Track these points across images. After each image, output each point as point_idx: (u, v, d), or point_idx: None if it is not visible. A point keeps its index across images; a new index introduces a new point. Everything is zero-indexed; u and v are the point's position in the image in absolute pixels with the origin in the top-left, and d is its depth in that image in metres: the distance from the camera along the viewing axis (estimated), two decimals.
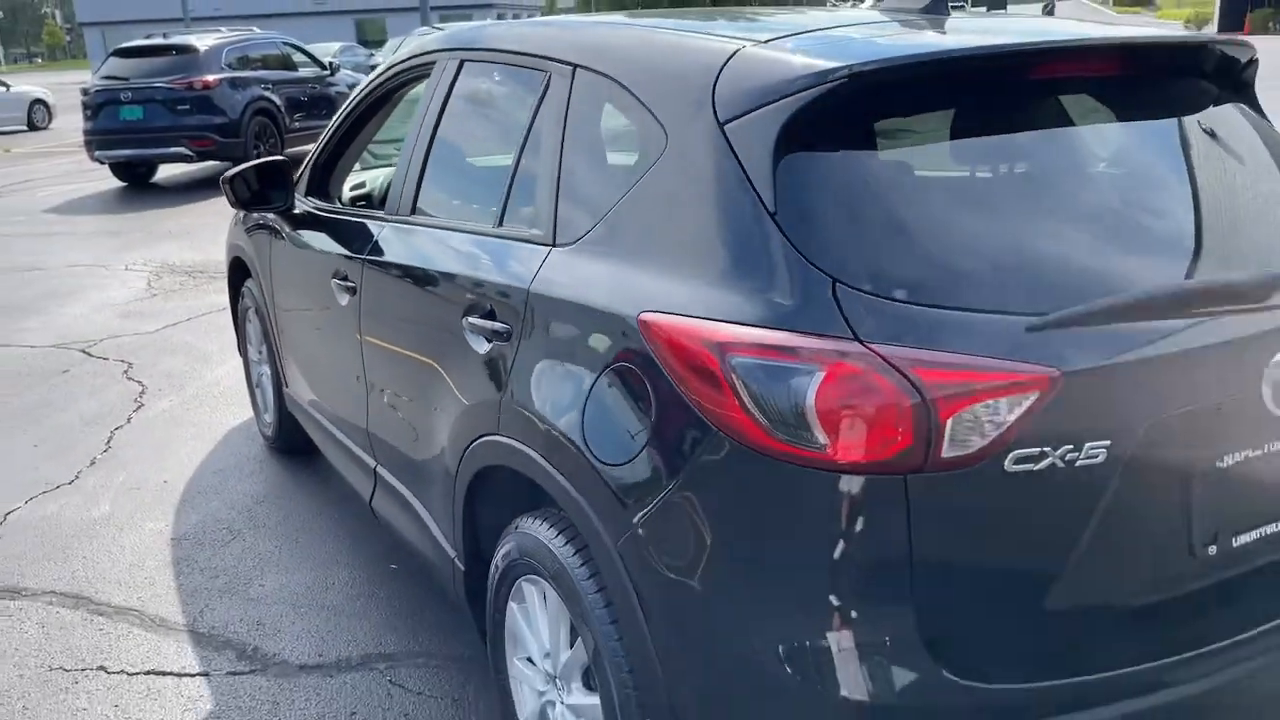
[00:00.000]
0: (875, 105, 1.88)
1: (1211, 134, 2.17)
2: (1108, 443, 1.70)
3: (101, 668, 3.16)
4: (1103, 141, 2.19)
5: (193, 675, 3.11)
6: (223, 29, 15.16)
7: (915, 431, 1.63)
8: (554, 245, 2.26)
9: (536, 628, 2.36)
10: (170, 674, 3.12)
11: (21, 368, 6.15)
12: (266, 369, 4.54)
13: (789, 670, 1.75)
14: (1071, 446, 1.68)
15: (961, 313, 1.70)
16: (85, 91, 13.46)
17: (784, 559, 1.74)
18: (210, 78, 13.00)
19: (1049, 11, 39.58)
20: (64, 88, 30.30)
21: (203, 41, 13.62)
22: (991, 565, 1.74)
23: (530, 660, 2.42)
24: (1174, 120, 2.18)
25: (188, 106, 12.89)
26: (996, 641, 1.77)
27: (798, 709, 1.75)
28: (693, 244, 1.94)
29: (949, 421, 1.63)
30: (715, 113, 1.95)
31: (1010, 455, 1.66)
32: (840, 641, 1.72)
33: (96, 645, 3.28)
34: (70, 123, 22.12)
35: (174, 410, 5.35)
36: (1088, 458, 1.69)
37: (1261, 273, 1.92)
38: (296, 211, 3.77)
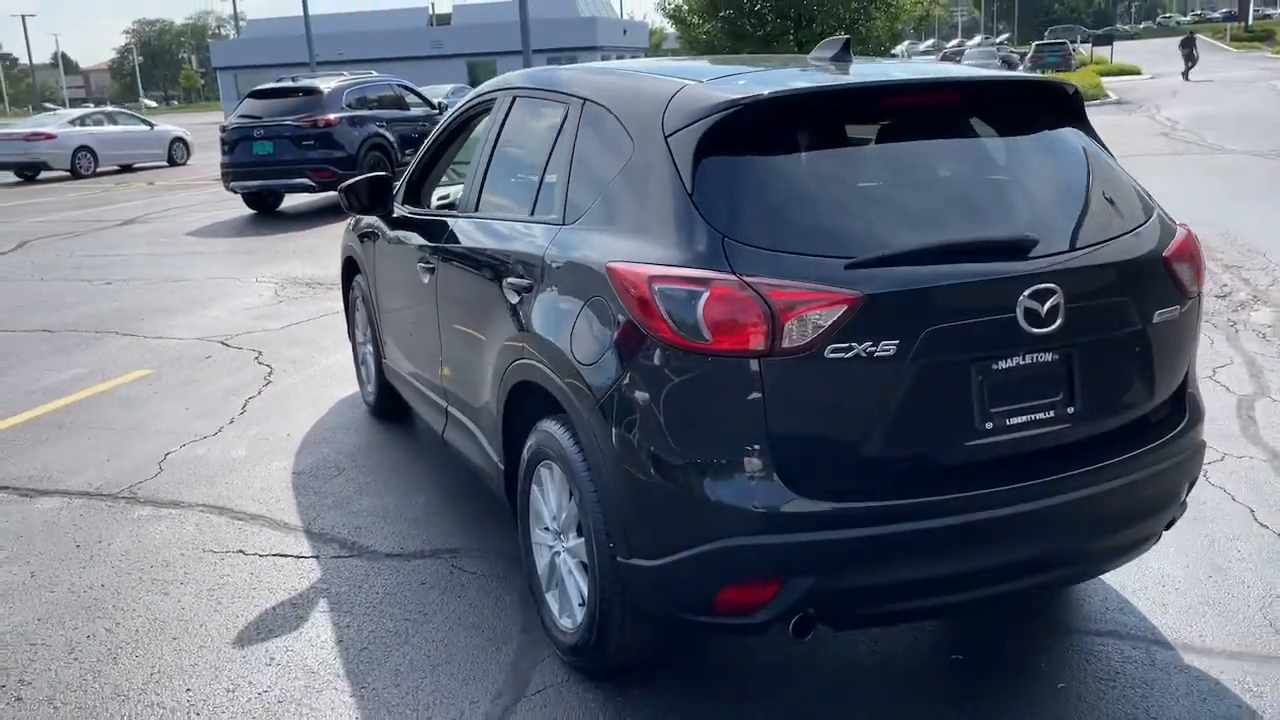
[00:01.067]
0: (758, 122, 2.82)
1: (1025, 144, 3.06)
2: (896, 341, 2.58)
3: (240, 550, 4.22)
4: (928, 149, 3.08)
5: (307, 558, 4.15)
6: (344, 73, 16.80)
7: (765, 330, 2.54)
8: (563, 224, 3.24)
9: (549, 500, 3.31)
10: (290, 556, 4.16)
11: (173, 355, 7.40)
12: (370, 347, 5.63)
13: (691, 491, 2.66)
14: (870, 343, 2.57)
15: (805, 256, 2.61)
16: (223, 129, 15.12)
17: (688, 416, 2.67)
18: (331, 116, 14.52)
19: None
20: (199, 127, 32.84)
21: (326, 84, 15.20)
22: (822, 421, 2.64)
23: (545, 528, 3.37)
24: (990, 134, 3.08)
25: (312, 142, 14.41)
26: (829, 475, 2.65)
27: (695, 516, 2.66)
28: (643, 216, 2.89)
29: (786, 324, 2.54)
30: (663, 129, 2.91)
31: (828, 347, 2.56)
32: (721, 469, 2.63)
33: (236, 537, 4.35)
34: (205, 159, 24.22)
35: (296, 385, 6.49)
36: (882, 351, 2.58)
37: (1018, 233, 2.77)
38: (394, 215, 4.84)
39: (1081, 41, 59.38)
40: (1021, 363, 2.73)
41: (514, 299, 3.39)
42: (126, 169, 25.47)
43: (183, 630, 3.62)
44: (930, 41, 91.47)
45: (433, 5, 55.78)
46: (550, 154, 3.52)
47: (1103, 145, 3.22)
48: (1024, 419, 2.76)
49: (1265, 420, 5.16)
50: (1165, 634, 3.37)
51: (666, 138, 2.89)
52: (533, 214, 3.55)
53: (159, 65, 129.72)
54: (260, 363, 7.04)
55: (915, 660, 3.41)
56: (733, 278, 2.59)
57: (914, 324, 2.61)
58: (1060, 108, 3.18)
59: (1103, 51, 49.85)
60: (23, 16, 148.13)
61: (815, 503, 2.61)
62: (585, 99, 3.40)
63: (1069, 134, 3.15)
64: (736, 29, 19.70)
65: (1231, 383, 5.74)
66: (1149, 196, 3.16)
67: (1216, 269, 8.31)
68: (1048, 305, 2.69)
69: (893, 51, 35.76)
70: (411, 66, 38.07)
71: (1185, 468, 3.05)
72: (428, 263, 4.23)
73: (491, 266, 3.65)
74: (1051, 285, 2.69)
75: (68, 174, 23.76)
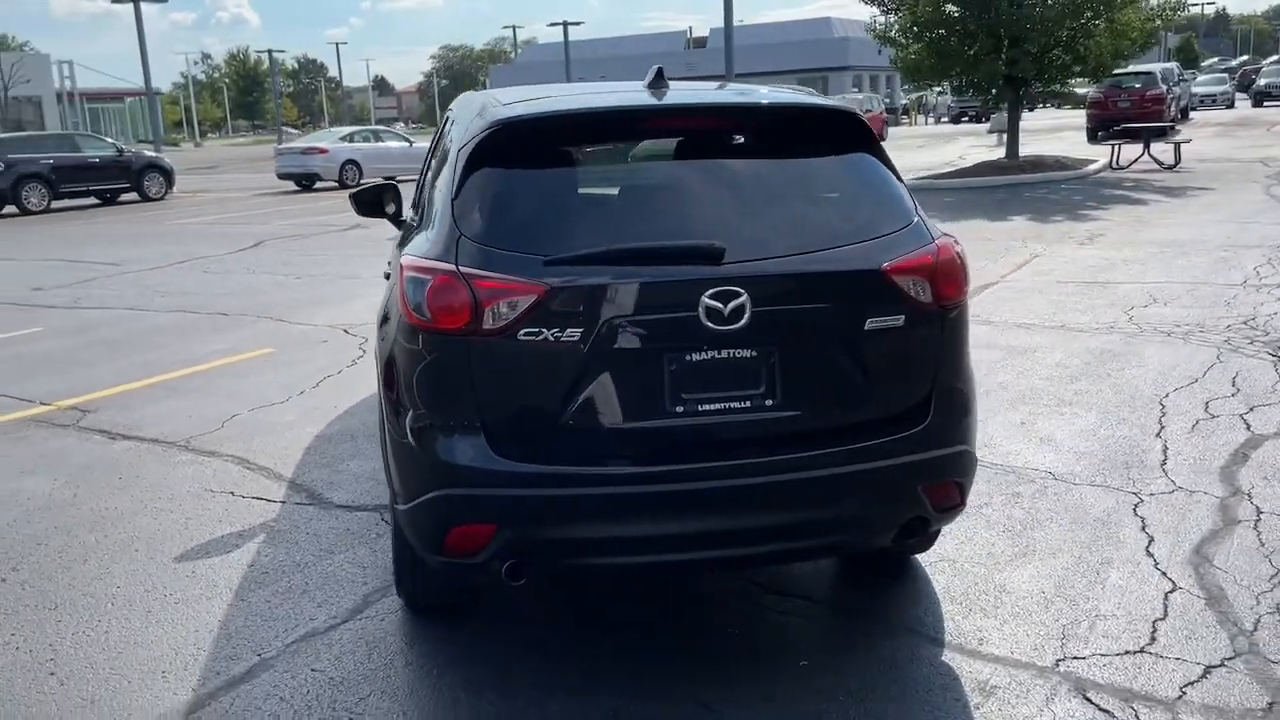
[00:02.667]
0: (514, 139, 3.30)
1: (766, 166, 3.36)
2: (580, 329, 3.00)
3: (230, 492, 5.08)
4: (666, 168, 3.44)
5: (275, 502, 4.94)
6: None
7: (471, 314, 3.02)
8: (417, 228, 3.84)
9: None
10: (264, 500, 4.97)
11: (300, 339, 8.54)
12: None
13: (423, 446, 3.18)
14: (557, 329, 3.00)
15: (516, 254, 3.07)
16: None
17: (420, 383, 3.18)
18: None
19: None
20: None
21: None
22: (521, 394, 3.08)
23: None
24: (740, 154, 3.41)
25: None
26: (529, 441, 3.09)
27: (426, 468, 3.18)
28: (434, 218, 3.44)
29: (487, 309, 3.01)
30: (460, 145, 3.46)
31: (521, 330, 3.01)
32: (443, 430, 3.14)
33: (236, 482, 5.22)
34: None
35: (368, 367, 7.39)
36: (567, 337, 3.00)
37: (706, 241, 3.08)
38: (403, 218, 5.58)
39: None
40: (716, 356, 3.06)
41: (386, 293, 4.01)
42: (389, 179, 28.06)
43: (147, 545, 4.48)
44: (1244, 57, 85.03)
45: (690, 30, 57.52)
46: (427, 164, 4.13)
47: (879, 161, 3.44)
48: (717, 406, 3.08)
49: (1257, 463, 4.95)
50: (949, 634, 3.52)
51: (458, 152, 3.42)
52: (416, 218, 4.17)
53: (460, 87, 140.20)
54: (360, 348, 8.02)
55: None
56: (452, 268, 3.09)
57: (595, 315, 3.01)
58: (831, 130, 3.46)
59: None
60: (337, 44, 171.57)
61: (514, 464, 3.06)
62: (450, 119, 3.99)
63: (826, 158, 3.43)
64: (944, 48, 19.40)
65: (1246, 423, 5.49)
66: (915, 211, 3.36)
67: None
68: (731, 305, 3.00)
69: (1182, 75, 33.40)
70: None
71: (915, 471, 3.23)
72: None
73: (390, 263, 4.29)
74: (735, 289, 3.01)
75: (335, 185, 26.52)
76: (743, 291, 3.01)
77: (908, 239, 3.27)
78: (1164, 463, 4.93)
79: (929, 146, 31.58)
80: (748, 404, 3.09)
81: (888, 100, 50.56)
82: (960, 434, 3.34)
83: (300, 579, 4.11)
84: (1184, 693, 3.12)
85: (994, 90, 19.97)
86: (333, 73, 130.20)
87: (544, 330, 3.00)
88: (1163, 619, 3.53)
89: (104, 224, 20.22)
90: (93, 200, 24.43)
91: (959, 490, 3.36)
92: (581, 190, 3.34)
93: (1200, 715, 3.02)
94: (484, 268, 3.06)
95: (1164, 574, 3.83)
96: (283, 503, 4.92)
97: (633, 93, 3.67)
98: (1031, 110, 29.70)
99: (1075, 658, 3.33)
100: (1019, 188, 17.85)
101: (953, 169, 20.97)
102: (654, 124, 3.51)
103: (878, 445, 3.17)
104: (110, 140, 27.96)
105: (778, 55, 56.69)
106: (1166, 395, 5.96)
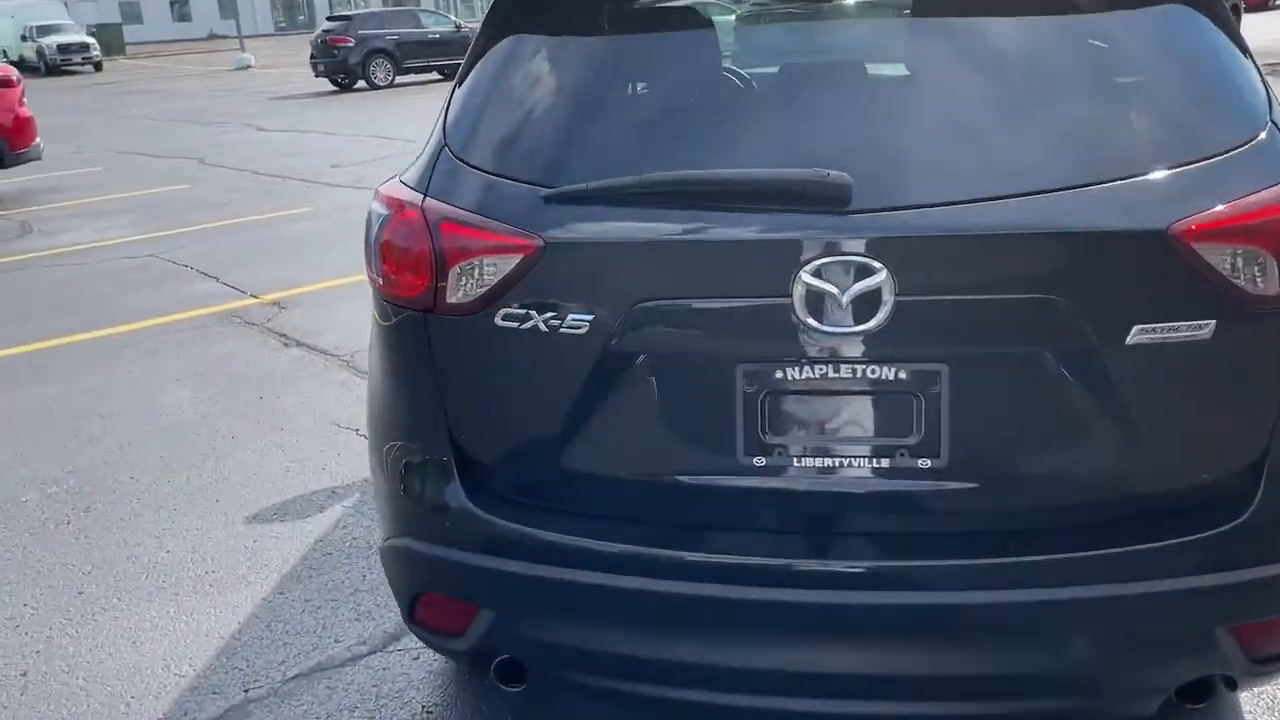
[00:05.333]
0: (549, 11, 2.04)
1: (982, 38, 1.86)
2: (589, 316, 1.75)
3: (358, 429, 4.29)
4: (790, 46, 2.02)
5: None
6: None
7: (432, 276, 1.86)
8: None
9: None
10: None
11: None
12: None
13: (382, 468, 2.09)
14: (553, 314, 1.77)
15: (510, 180, 1.85)
16: None
17: (383, 381, 2.08)
18: None
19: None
20: None
21: None
22: (505, 416, 1.90)
23: None
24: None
25: None
26: (517, 487, 1.92)
27: (387, 500, 2.10)
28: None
29: (452, 271, 1.84)
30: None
31: (500, 311, 1.81)
32: (403, 451, 2.03)
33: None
34: None
35: None
36: (573, 327, 1.76)
37: (808, 172, 1.67)
38: None
39: None
40: (830, 375, 1.72)
41: None
42: None
43: (227, 498, 3.78)
44: None
45: None
46: None
47: (1211, 22, 1.84)
48: (827, 462, 1.75)
49: None
50: None
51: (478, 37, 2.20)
52: None
53: None
54: None
55: None
56: (417, 198, 1.93)
57: (618, 293, 1.75)
58: None
59: None
60: None
61: (498, 520, 1.91)
62: None
63: (1105, 14, 1.86)
64: None
65: None
66: (1270, 115, 1.77)
67: None
68: (856, 289, 1.65)
69: None
70: None
71: (1220, 600, 1.75)
72: None
73: None
74: (865, 259, 1.64)
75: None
76: (880, 265, 1.63)
77: (1242, 172, 1.70)
78: None
79: None
80: (885, 463, 1.74)
81: None
82: None
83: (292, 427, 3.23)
84: None
85: None
86: None
87: (534, 314, 1.79)
88: None
89: (435, 99, 20.59)
90: (434, 75, 25.11)
91: None
92: (638, 84, 2.04)
93: None
94: (455, 200, 1.88)
95: None
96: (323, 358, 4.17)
97: None
98: None
99: None
100: None
101: None
102: None
103: (1146, 553, 1.71)
104: (448, 15, 28.35)
105: None
106: None
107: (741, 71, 2.35)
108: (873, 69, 2.03)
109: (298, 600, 3.10)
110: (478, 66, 2.05)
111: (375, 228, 1.99)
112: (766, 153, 1.78)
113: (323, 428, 4.33)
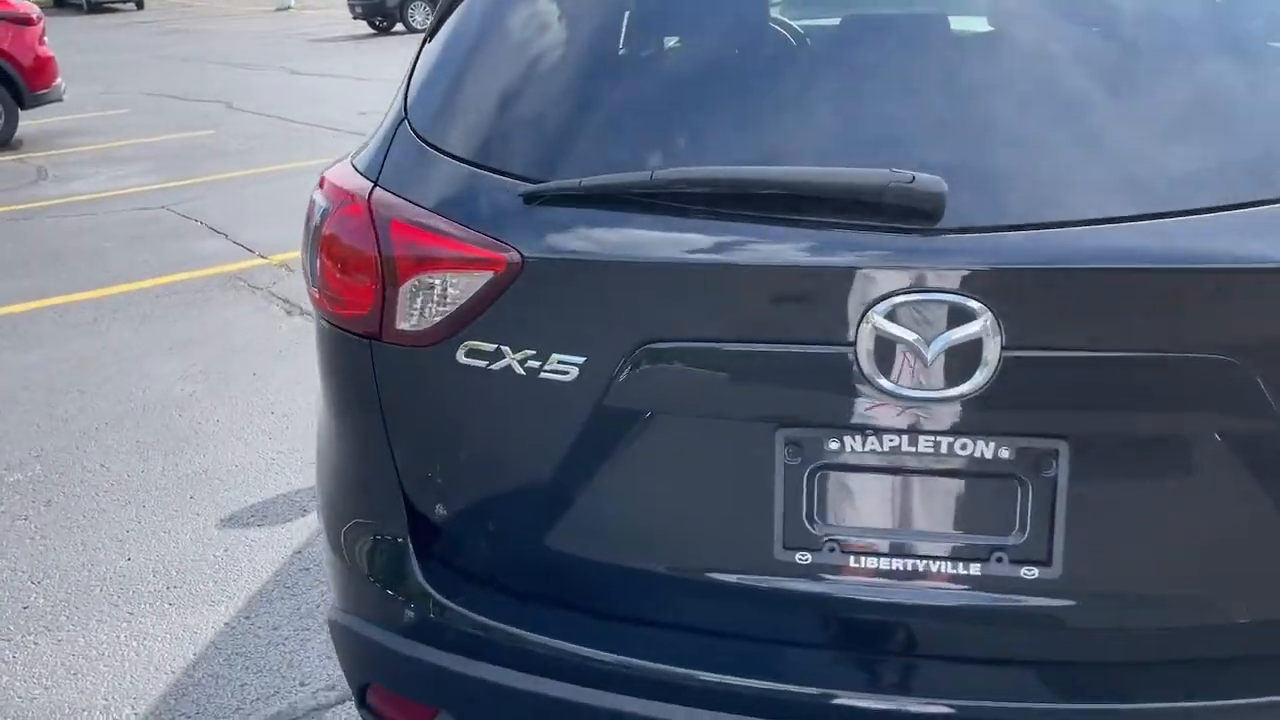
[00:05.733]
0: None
1: None
2: (580, 358, 1.30)
3: None
4: None
5: None
6: None
7: (376, 290, 1.42)
8: None
9: None
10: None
11: None
12: None
13: (328, 526, 1.67)
14: (534, 352, 1.32)
15: (483, 171, 1.39)
16: None
17: (322, 410, 1.65)
18: None
19: None
20: None
21: None
22: (471, 478, 1.45)
23: None
24: None
25: None
26: (493, 565, 1.48)
27: (333, 568, 1.68)
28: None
29: (404, 287, 1.39)
30: None
31: (463, 346, 1.36)
32: (346, 501, 1.60)
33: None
34: None
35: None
36: (554, 371, 1.31)
37: (889, 175, 1.18)
38: None
39: None
40: (903, 450, 1.25)
41: None
42: None
43: (202, 494, 3.40)
44: None
45: None
46: None
47: None
48: (897, 564, 1.29)
49: None
50: None
51: None
52: None
53: None
54: None
55: None
56: (365, 187, 1.48)
57: (615, 328, 1.29)
58: None
59: None
60: None
61: (458, 607, 1.48)
62: None
63: None
64: None
65: None
66: None
67: None
68: (945, 340, 1.18)
69: None
70: None
71: None
72: None
73: None
74: (961, 297, 1.17)
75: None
76: (983, 308, 1.16)
77: None
78: None
79: None
80: (973, 569, 1.28)
81: None
82: None
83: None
84: None
85: None
86: None
87: (506, 352, 1.34)
88: None
89: None
90: None
91: None
92: (656, 42, 1.57)
93: None
94: (411, 193, 1.42)
95: None
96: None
97: None
98: None
99: None
100: None
101: None
102: None
103: None
104: None
105: None
106: None
107: (794, 25, 1.86)
108: (974, 25, 1.54)
109: (264, 627, 2.71)
110: (454, 16, 1.58)
111: (313, 224, 1.54)
112: (826, 142, 1.31)
113: (315, 412, 3.92)
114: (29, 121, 10.64)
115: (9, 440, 3.79)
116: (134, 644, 2.68)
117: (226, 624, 2.74)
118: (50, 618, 2.80)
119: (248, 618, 2.75)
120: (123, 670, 2.58)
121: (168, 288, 5.47)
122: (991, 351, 1.17)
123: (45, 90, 9.99)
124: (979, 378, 1.18)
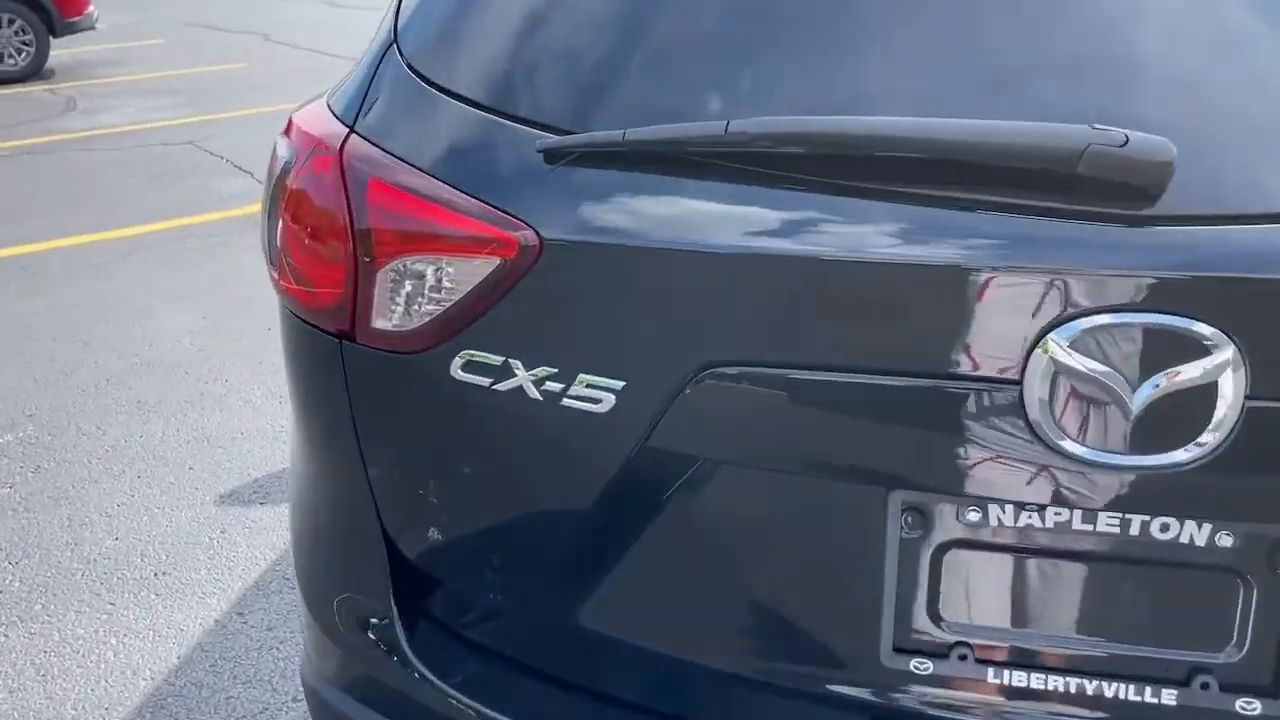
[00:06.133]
0: None
1: None
2: (618, 384, 0.93)
3: None
4: None
5: None
6: None
7: (348, 271, 1.05)
8: None
9: None
10: None
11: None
12: None
13: (294, 558, 1.33)
14: (556, 370, 0.95)
15: (493, 116, 1.02)
16: None
17: (294, 424, 1.30)
18: None
19: None
20: None
21: None
22: (471, 518, 1.10)
23: None
24: None
25: None
26: (505, 640, 1.13)
27: (308, 631, 1.34)
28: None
29: (383, 270, 1.03)
30: None
31: (459, 356, 0.99)
32: (323, 542, 1.26)
33: None
34: None
35: None
36: (582, 398, 0.95)
37: (1085, 133, 0.79)
38: None
39: None
40: (1076, 528, 0.88)
41: None
42: None
43: (201, 467, 3.09)
44: None
45: None
46: None
47: None
48: (1064, 683, 0.92)
49: None
50: None
51: None
52: None
53: None
54: None
55: None
56: (339, 132, 1.11)
57: (667, 343, 0.92)
58: None
59: None
60: None
61: (452, 690, 1.13)
62: None
63: None
64: None
65: None
66: None
67: None
68: (1165, 384, 0.79)
69: None
70: None
71: None
72: None
73: None
74: (1193, 320, 0.78)
75: None
76: (1224, 337, 0.77)
77: None
78: None
79: None
80: (1169, 696, 0.92)
81: None
82: None
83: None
84: None
85: None
86: None
87: (518, 367, 0.97)
88: None
89: None
90: None
91: None
92: None
93: None
94: (394, 144, 1.05)
95: None
96: None
97: None
98: None
99: None
100: None
101: None
102: None
103: None
104: None
105: None
106: None
107: None
108: None
109: (258, 627, 2.40)
110: None
111: (272, 180, 1.18)
112: (972, 89, 0.91)
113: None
114: (61, 50, 10.35)
115: (4, 397, 3.51)
116: (113, 641, 2.39)
117: (216, 621, 2.43)
118: (25, 605, 2.51)
119: (240, 614, 2.45)
120: (98, 673, 2.29)
121: (186, 229, 5.16)
122: (1231, 402, 0.79)
123: (77, 18, 9.68)
124: (1209, 439, 0.80)
